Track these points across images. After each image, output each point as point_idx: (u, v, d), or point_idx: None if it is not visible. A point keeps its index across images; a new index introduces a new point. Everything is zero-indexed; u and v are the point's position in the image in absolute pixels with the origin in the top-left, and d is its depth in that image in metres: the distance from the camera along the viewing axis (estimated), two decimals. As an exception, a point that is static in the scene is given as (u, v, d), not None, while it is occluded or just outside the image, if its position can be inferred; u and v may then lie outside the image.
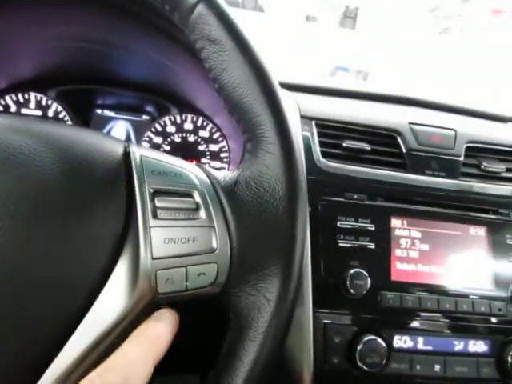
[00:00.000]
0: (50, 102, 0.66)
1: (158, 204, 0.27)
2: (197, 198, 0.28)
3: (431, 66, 2.56)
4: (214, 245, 0.27)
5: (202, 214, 0.28)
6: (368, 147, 0.53)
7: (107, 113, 0.69)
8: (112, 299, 0.25)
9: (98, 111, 0.68)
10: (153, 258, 0.25)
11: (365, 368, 0.44)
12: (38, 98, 0.66)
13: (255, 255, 0.28)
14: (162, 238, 0.26)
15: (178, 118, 0.68)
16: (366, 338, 0.45)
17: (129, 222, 0.26)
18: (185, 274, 0.26)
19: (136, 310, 0.25)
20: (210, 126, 0.68)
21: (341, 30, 2.96)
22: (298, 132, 0.51)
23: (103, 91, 0.67)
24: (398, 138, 0.54)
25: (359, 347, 0.45)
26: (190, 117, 0.68)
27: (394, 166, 0.53)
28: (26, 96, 0.65)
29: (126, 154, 0.29)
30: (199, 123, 0.68)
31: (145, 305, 0.26)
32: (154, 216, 0.26)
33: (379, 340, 0.46)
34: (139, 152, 0.29)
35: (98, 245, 0.25)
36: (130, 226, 0.26)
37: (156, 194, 0.27)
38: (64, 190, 0.25)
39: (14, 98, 0.65)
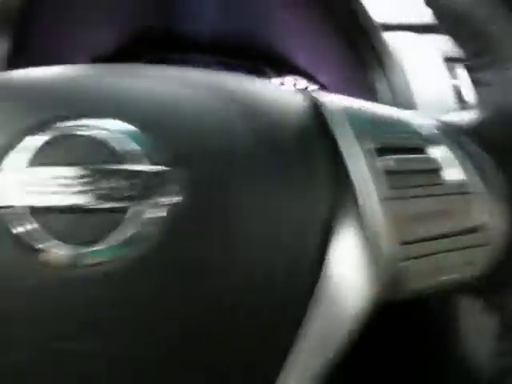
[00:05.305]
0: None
1: (387, 166, 0.20)
2: (433, 152, 0.22)
3: None
4: (483, 219, 0.21)
5: (451, 175, 0.21)
6: None
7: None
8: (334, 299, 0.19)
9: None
10: (401, 243, 0.19)
11: None
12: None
13: None
14: (407, 215, 0.20)
15: (273, 82, 0.56)
16: None
17: (342, 198, 0.19)
18: (443, 264, 0.20)
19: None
20: (315, 87, 0.55)
21: None
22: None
23: (178, 60, 0.57)
24: None
25: None
26: (288, 79, 0.55)
27: None
28: None
29: (316, 107, 0.22)
30: (301, 86, 0.55)
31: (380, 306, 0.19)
32: (391, 184, 0.20)
33: None
34: (333, 102, 0.22)
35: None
36: (344, 203, 0.19)
37: (381, 151, 0.21)
38: (253, 156, 0.19)
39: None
